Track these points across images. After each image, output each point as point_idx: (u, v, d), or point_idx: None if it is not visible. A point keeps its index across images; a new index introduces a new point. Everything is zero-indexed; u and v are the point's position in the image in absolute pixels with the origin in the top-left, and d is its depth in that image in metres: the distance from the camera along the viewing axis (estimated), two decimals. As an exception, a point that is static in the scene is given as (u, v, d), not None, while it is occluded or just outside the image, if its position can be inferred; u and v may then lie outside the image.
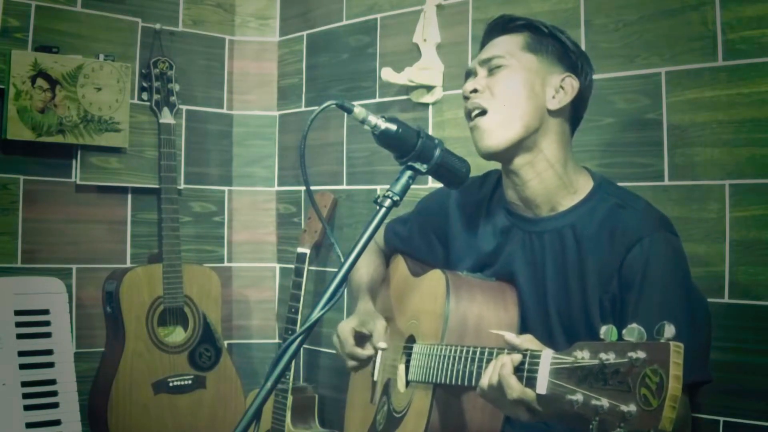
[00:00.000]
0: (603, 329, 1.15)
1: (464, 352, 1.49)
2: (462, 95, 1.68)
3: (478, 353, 1.45)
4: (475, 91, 1.65)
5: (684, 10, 1.98)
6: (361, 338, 1.81)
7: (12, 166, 2.67)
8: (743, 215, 1.88)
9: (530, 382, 1.27)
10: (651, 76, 2.04)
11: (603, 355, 1.12)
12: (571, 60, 1.67)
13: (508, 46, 1.66)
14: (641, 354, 1.07)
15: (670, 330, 1.07)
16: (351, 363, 1.82)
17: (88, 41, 2.78)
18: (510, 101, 1.62)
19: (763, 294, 1.84)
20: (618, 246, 1.55)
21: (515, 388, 1.30)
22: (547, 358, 1.23)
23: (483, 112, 1.63)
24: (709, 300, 1.80)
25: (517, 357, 1.32)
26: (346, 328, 1.82)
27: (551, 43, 1.67)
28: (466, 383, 1.47)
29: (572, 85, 1.66)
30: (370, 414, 1.89)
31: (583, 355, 1.16)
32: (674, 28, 1.99)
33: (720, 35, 1.91)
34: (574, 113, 1.70)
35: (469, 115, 1.67)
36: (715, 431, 1.88)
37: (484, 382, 1.36)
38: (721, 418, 1.88)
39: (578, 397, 1.15)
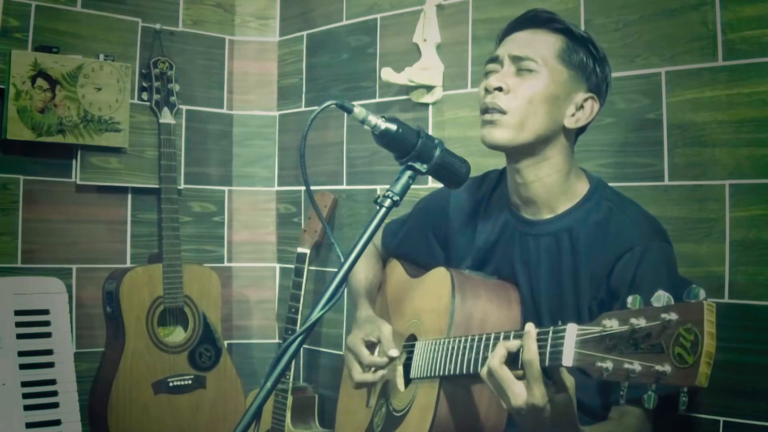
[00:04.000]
0: (630, 299, 1.14)
1: (470, 341, 1.49)
2: (483, 87, 1.64)
3: (483, 339, 1.44)
4: (499, 89, 1.62)
5: (684, 10, 1.98)
6: (371, 346, 1.80)
7: (12, 166, 2.67)
8: (743, 215, 1.87)
9: (555, 357, 1.24)
10: (651, 76, 2.04)
11: (634, 321, 1.11)
12: (597, 79, 1.66)
13: (542, 50, 1.62)
14: (674, 315, 1.07)
15: (702, 293, 1.06)
16: (369, 377, 1.77)
17: (88, 41, 2.77)
18: (531, 110, 1.61)
19: (763, 294, 1.84)
20: (609, 253, 1.56)
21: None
22: (573, 330, 1.21)
23: (501, 112, 1.62)
24: (709, 300, 1.80)
25: (514, 343, 1.31)
26: (356, 340, 1.80)
27: (583, 53, 1.64)
28: (472, 371, 1.46)
29: (593, 107, 1.65)
30: (366, 418, 1.88)
31: (611, 324, 1.14)
32: (674, 28, 1.99)
33: (720, 35, 1.91)
34: (581, 127, 1.69)
35: (485, 110, 1.64)
36: (715, 431, 1.88)
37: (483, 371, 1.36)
38: (721, 418, 1.87)
39: (608, 364, 1.13)
